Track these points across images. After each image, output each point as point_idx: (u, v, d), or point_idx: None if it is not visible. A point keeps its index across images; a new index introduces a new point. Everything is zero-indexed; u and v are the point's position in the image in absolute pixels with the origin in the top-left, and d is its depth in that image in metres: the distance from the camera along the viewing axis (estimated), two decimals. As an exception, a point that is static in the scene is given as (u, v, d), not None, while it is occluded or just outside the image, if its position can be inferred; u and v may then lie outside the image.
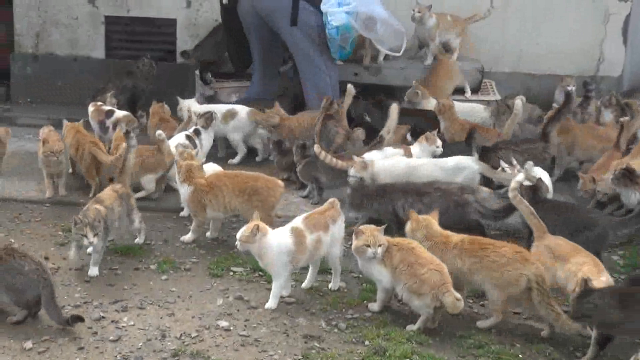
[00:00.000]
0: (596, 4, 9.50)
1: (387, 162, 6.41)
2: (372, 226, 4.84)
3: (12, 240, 5.70)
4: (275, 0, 7.88)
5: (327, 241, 4.99)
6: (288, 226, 5.00)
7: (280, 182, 5.86)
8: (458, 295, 4.56)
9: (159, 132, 6.58)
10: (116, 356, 4.26)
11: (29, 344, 4.31)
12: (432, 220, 5.03)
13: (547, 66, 9.52)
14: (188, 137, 6.72)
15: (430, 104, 8.02)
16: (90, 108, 7.73)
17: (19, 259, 4.52)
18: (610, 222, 5.63)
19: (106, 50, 9.87)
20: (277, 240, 4.87)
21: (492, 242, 4.90)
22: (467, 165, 6.29)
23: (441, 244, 4.91)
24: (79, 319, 4.49)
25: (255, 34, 8.26)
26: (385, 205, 5.96)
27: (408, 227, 5.05)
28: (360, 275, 5.39)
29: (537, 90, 9.16)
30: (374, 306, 4.91)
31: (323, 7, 7.66)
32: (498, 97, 8.88)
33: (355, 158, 6.35)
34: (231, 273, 5.34)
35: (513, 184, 5.15)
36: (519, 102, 7.43)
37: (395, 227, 5.66)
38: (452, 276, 4.65)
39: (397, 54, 8.34)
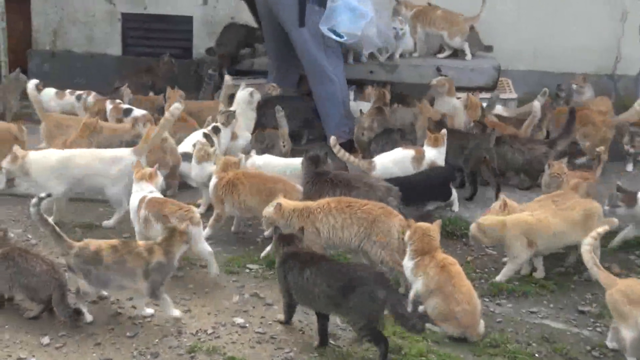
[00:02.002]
0: (613, 2, 9.49)
1: (39, 153, 6.08)
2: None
3: (30, 237, 5.74)
4: (286, 4, 7.91)
5: None
6: None
7: (299, 188, 5.84)
8: (482, 331, 4.59)
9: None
10: (132, 352, 4.27)
11: (46, 339, 4.33)
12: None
13: (564, 64, 9.49)
14: (206, 135, 6.72)
15: (452, 102, 8.00)
16: (109, 106, 7.77)
17: (31, 260, 4.55)
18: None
19: (123, 47, 9.94)
20: None
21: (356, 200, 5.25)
22: (123, 156, 6.06)
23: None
24: (78, 312, 4.53)
25: (270, 26, 8.28)
26: (314, 195, 5.80)
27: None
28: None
29: (554, 89, 9.12)
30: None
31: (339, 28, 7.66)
32: (515, 95, 8.87)
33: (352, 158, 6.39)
34: (247, 270, 5.35)
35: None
36: (537, 103, 7.44)
37: None
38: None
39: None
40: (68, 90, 8.50)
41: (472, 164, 6.85)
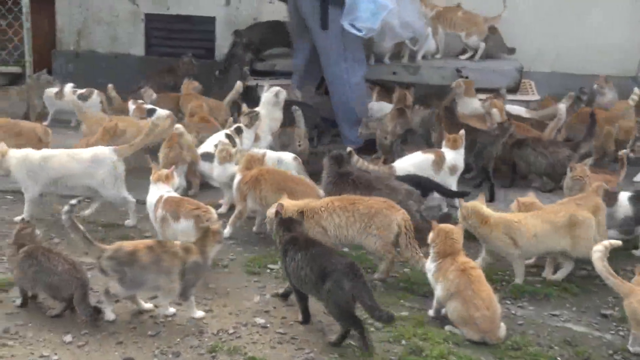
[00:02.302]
0: (637, 3, 9.39)
1: (19, 151, 6.04)
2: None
3: (53, 235, 5.78)
4: (309, 3, 7.92)
5: None
6: None
7: (320, 191, 5.85)
8: (502, 335, 4.57)
9: (177, 125, 6.65)
10: (154, 351, 4.29)
11: (68, 338, 4.35)
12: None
13: (586, 66, 9.43)
14: (228, 135, 6.74)
15: (472, 103, 7.99)
16: (132, 106, 7.81)
17: (53, 259, 4.59)
18: None
19: (146, 47, 9.98)
20: None
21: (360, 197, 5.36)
22: (106, 157, 6.03)
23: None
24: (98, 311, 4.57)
25: (298, 24, 8.32)
26: (335, 195, 5.82)
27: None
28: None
29: (576, 91, 9.06)
30: (431, 312, 4.88)
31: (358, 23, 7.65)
32: (537, 96, 8.84)
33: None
34: (268, 270, 5.37)
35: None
36: (562, 106, 7.43)
37: None
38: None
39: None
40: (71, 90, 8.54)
41: (485, 160, 6.84)
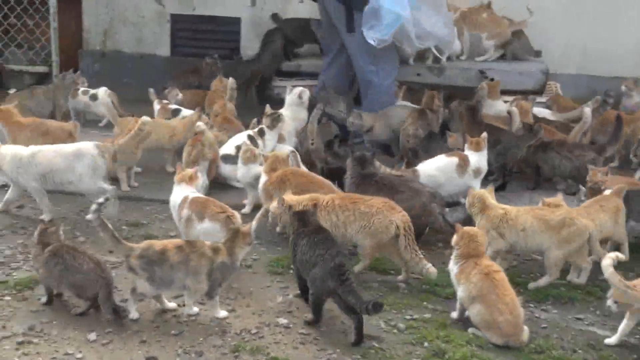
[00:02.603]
0: (665, 5, 9.33)
1: (11, 147, 6.11)
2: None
3: (78, 234, 5.82)
4: (336, 8, 7.92)
5: None
6: None
7: (398, 207, 5.76)
8: (525, 339, 4.55)
9: (198, 123, 6.69)
10: (177, 350, 4.31)
11: (92, 336, 4.38)
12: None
13: (613, 68, 9.36)
14: (250, 137, 6.75)
15: (497, 105, 7.95)
16: (157, 106, 7.86)
17: (79, 258, 4.62)
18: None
19: (171, 48, 10.02)
20: None
21: (361, 197, 5.39)
22: (86, 152, 6.00)
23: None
24: (123, 310, 4.60)
25: (328, 24, 8.33)
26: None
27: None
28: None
29: (603, 94, 9.00)
30: (454, 314, 4.87)
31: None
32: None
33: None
34: (291, 271, 5.36)
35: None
36: (587, 110, 7.39)
37: None
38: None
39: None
40: (80, 90, 8.58)
41: (507, 160, 6.81)
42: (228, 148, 6.89)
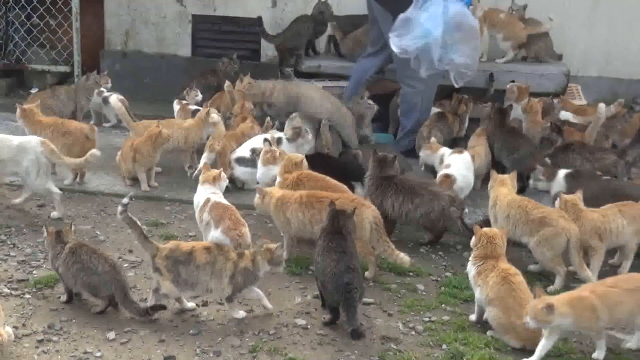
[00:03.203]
0: (689, 7, 9.25)
1: None
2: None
3: (98, 232, 5.85)
4: (378, 10, 7.93)
5: None
6: None
7: (368, 203, 5.59)
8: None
9: (212, 114, 6.72)
10: (195, 349, 4.33)
11: (111, 335, 4.41)
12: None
13: (636, 71, 9.29)
14: (266, 140, 6.72)
15: (518, 108, 7.94)
16: (176, 106, 7.89)
17: (95, 259, 4.63)
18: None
19: (192, 48, 10.05)
20: None
21: (327, 194, 5.39)
22: (30, 147, 5.97)
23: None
24: (161, 307, 4.62)
25: (373, 22, 8.37)
26: (376, 198, 5.90)
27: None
28: (439, 279, 5.38)
29: (625, 96, 8.93)
30: (473, 317, 4.85)
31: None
32: (584, 101, 8.73)
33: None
34: (310, 272, 5.36)
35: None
36: (602, 105, 7.34)
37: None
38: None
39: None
40: (96, 91, 8.60)
41: (523, 170, 6.77)
42: (243, 150, 6.88)
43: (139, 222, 4.65)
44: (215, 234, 5.13)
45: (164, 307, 4.64)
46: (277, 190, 5.58)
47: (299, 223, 5.37)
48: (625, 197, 5.78)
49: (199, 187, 5.51)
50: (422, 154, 7.26)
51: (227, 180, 5.67)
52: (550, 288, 5.29)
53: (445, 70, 7.69)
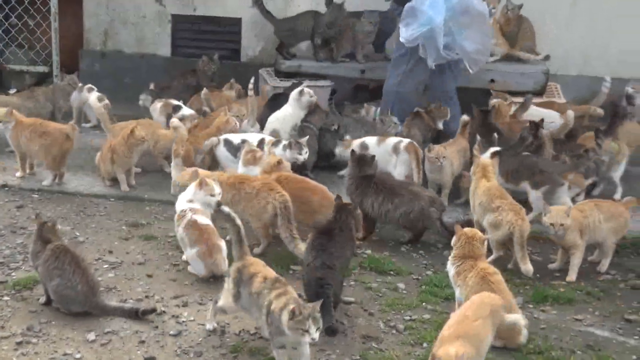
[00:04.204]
0: (666, 6, 9.30)
1: None
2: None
3: (78, 234, 5.82)
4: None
5: None
6: None
7: (278, 188, 5.66)
8: (523, 341, 4.54)
9: (173, 119, 6.74)
10: (176, 350, 4.31)
11: (91, 336, 4.39)
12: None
13: (615, 69, 9.33)
14: (261, 140, 6.67)
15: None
16: (158, 104, 7.88)
17: (77, 275, 4.56)
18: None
19: (172, 48, 10.02)
20: None
21: (249, 177, 5.71)
22: None
23: None
24: (152, 310, 4.63)
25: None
26: (357, 197, 5.94)
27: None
28: (420, 278, 5.39)
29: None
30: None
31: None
32: (563, 100, 8.77)
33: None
34: (291, 271, 5.37)
35: None
36: (570, 113, 7.44)
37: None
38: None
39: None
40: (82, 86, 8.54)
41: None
42: (235, 136, 6.91)
43: (238, 221, 4.46)
44: (190, 253, 5.15)
45: (154, 310, 4.63)
46: (206, 172, 5.80)
47: (226, 204, 5.33)
48: (539, 172, 6.35)
49: (188, 188, 5.50)
50: (337, 150, 7.53)
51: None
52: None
53: (455, 59, 7.69)
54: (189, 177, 5.76)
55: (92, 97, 7.58)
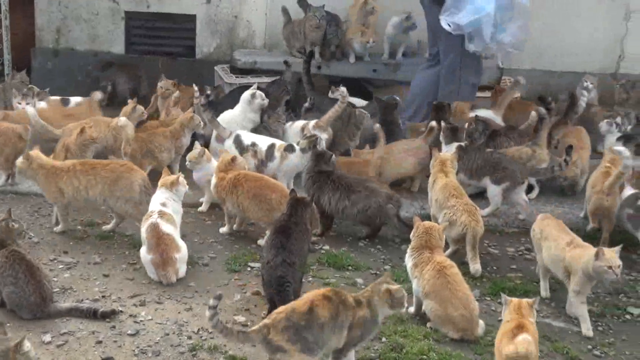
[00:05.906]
0: (617, 1, 9.44)
1: None
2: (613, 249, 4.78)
3: (32, 235, 5.74)
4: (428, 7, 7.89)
5: None
6: None
7: (137, 168, 5.78)
8: (481, 332, 4.62)
9: (121, 117, 6.67)
10: (134, 350, 4.28)
11: (47, 337, 4.34)
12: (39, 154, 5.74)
13: (567, 63, 9.46)
14: (271, 145, 6.56)
15: None
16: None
17: (30, 286, 4.51)
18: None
19: (126, 45, 9.91)
20: None
21: (99, 162, 5.82)
22: None
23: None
24: (112, 312, 4.60)
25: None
26: (314, 192, 5.95)
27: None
28: (378, 273, 5.41)
29: (557, 88, 9.08)
30: (411, 309, 4.85)
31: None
32: (517, 94, 8.83)
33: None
34: (249, 269, 5.36)
35: None
36: (533, 113, 7.43)
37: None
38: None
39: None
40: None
41: None
42: (246, 135, 6.81)
43: (231, 327, 4.15)
44: (145, 257, 5.12)
45: (114, 312, 4.60)
46: (47, 159, 5.81)
47: (74, 191, 5.61)
48: (502, 168, 6.34)
49: (157, 190, 5.45)
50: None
51: (187, 187, 5.56)
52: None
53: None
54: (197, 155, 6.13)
55: (31, 111, 7.16)
